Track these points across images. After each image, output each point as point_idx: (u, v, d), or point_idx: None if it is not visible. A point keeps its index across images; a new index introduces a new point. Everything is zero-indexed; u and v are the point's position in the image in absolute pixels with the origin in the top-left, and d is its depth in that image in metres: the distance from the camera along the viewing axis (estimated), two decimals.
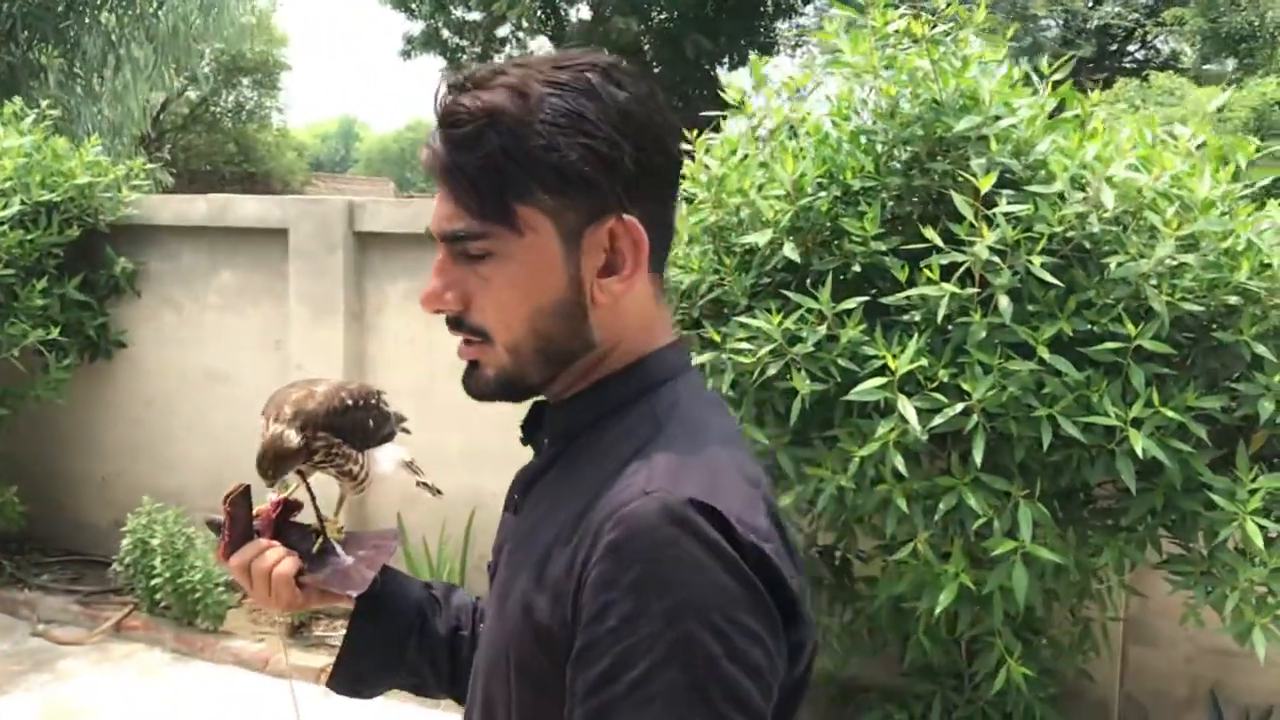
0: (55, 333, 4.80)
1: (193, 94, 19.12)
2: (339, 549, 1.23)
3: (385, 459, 1.29)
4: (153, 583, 4.57)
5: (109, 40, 7.34)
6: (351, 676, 1.19)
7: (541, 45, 19.22)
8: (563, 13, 18.41)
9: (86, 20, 7.29)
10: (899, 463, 2.48)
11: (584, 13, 18.35)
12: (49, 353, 4.89)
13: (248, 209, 5.13)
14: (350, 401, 1.24)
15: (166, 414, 5.26)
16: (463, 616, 1.22)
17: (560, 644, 0.84)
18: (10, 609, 4.95)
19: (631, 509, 0.82)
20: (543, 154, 0.88)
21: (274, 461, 1.19)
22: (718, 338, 2.78)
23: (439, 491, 1.39)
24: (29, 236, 4.78)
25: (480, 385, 0.96)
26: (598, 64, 0.92)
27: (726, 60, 17.56)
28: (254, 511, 1.21)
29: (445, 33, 19.23)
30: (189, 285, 5.24)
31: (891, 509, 2.56)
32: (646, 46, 16.92)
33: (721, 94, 3.04)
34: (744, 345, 2.67)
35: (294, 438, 1.18)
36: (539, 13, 17.89)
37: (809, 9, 18.90)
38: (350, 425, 1.23)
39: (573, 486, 0.92)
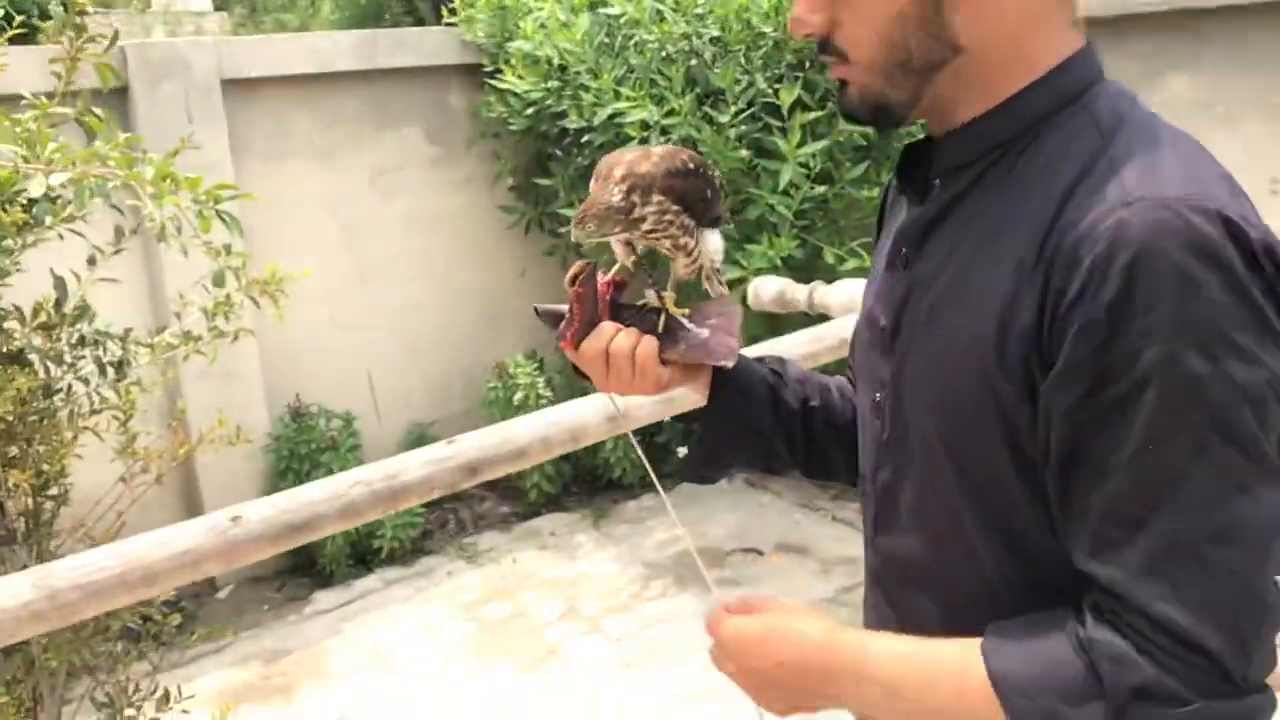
0: None
1: None
2: (686, 323, 1.13)
3: (715, 242, 1.15)
4: None
5: None
6: (707, 459, 1.18)
7: None
8: None
9: None
10: None
11: None
12: None
13: None
14: (692, 165, 1.11)
15: None
16: (808, 389, 1.18)
17: (1024, 380, 0.81)
18: None
19: (1113, 223, 0.75)
20: None
21: (593, 221, 1.07)
22: None
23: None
24: None
25: (846, 106, 0.92)
26: None
27: None
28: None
29: None
30: None
31: None
32: None
33: None
34: None
35: (616, 194, 1.07)
36: None
37: None
38: (689, 191, 1.10)
39: (1004, 219, 0.84)
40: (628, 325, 1.10)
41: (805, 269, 3.51)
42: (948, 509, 0.89)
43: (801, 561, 3.94)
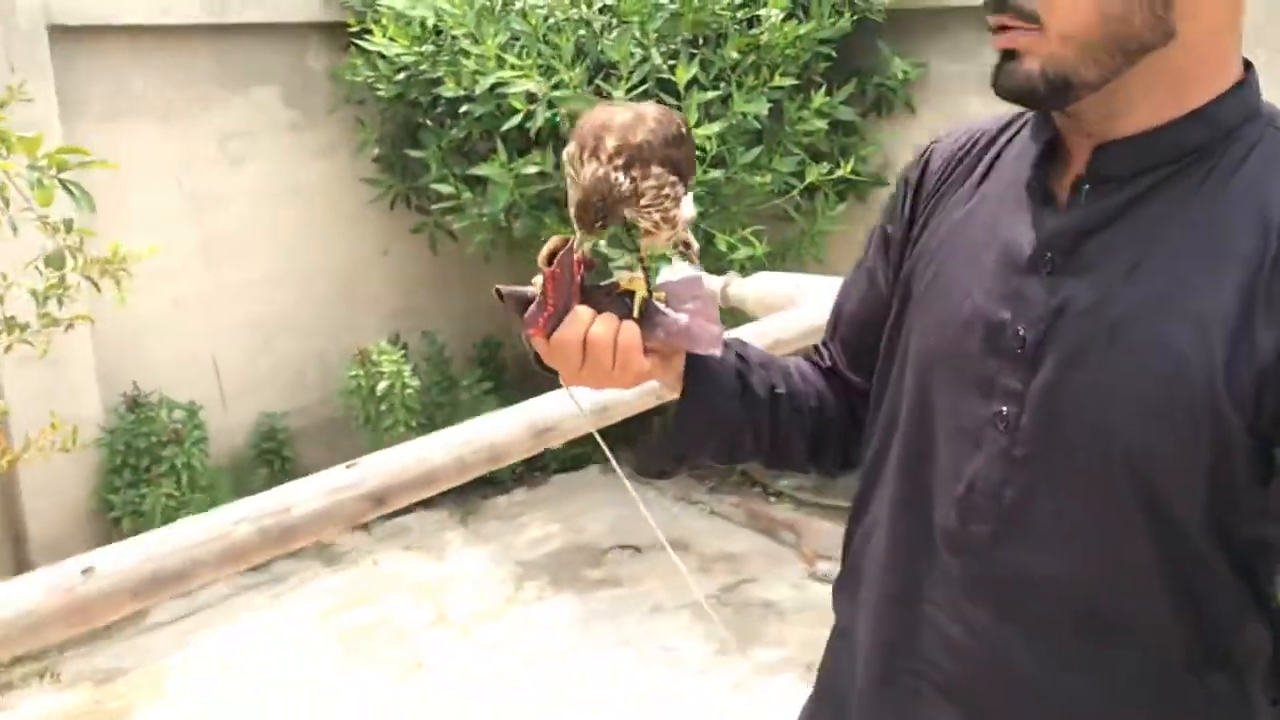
0: (832, 169, 3.52)
1: None
2: (662, 307, 1.02)
3: (691, 210, 1.04)
4: None
5: None
6: (675, 453, 1.10)
7: None
8: None
9: None
10: None
11: None
12: (817, 198, 3.63)
13: None
14: (685, 130, 1.00)
15: None
16: (773, 374, 1.11)
17: (1254, 411, 0.80)
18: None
19: None
20: None
21: (602, 210, 0.95)
22: None
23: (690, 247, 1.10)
24: (801, 30, 3.42)
25: (1015, 79, 0.84)
26: None
27: None
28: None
29: None
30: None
31: None
32: None
33: None
34: None
35: (624, 181, 0.95)
36: None
37: None
38: (682, 160, 0.99)
39: (1208, 237, 0.82)
40: (601, 311, 1.00)
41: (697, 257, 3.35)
42: (1111, 529, 0.86)
43: (681, 558, 3.80)
